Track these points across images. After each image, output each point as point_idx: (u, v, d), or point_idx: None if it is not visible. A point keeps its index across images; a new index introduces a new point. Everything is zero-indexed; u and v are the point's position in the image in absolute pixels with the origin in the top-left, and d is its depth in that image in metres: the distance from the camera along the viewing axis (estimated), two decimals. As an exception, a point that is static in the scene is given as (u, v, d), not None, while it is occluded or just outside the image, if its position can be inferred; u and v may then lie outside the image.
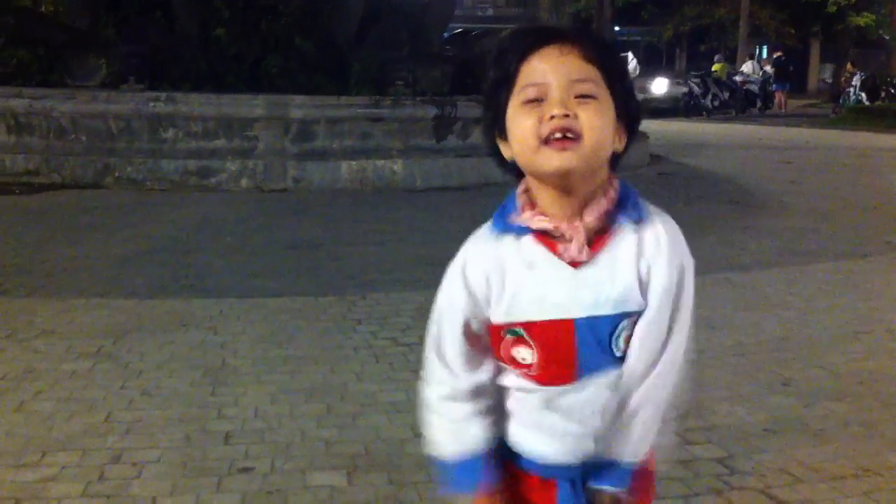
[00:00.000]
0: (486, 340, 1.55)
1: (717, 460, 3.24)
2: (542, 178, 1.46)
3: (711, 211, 9.27)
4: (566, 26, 1.50)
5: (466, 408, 1.55)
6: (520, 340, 1.49)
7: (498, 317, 1.50)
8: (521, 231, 1.49)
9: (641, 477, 1.57)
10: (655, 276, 1.47)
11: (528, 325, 1.47)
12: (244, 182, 10.01)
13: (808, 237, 7.87)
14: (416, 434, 3.37)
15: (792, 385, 4.08)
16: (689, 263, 1.51)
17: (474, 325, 1.54)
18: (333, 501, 2.90)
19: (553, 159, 1.41)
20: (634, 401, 1.50)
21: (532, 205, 1.49)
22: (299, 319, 4.95)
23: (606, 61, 1.45)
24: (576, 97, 1.41)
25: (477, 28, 22.16)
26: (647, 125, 16.04)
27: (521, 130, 1.43)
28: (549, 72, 1.42)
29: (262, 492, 2.95)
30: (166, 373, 4.07)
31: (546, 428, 1.52)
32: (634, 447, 1.52)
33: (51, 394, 3.78)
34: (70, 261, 6.28)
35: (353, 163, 10.28)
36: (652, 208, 1.52)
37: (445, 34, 16.56)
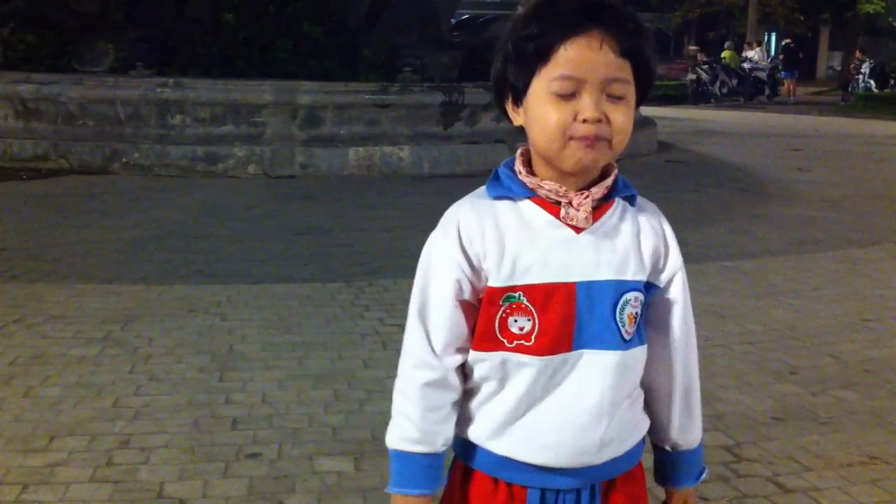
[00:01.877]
0: (471, 314, 1.48)
1: (724, 448, 3.24)
2: (559, 167, 1.43)
3: (719, 199, 9.25)
4: (602, 3, 1.40)
5: (443, 400, 1.49)
6: (518, 307, 1.42)
7: (498, 281, 1.43)
8: (520, 194, 1.45)
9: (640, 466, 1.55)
10: (671, 256, 1.50)
11: (529, 289, 1.42)
12: (252, 168, 10.01)
13: (816, 225, 7.84)
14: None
15: (800, 373, 4.08)
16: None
17: (465, 288, 1.46)
18: (341, 487, 2.91)
19: (578, 153, 1.39)
20: (688, 376, 1.55)
21: (531, 172, 1.47)
22: (307, 305, 4.96)
23: (641, 51, 1.41)
24: (608, 96, 1.39)
25: (485, 14, 22.07)
26: (655, 112, 16.01)
27: (549, 124, 1.39)
28: (585, 67, 1.37)
29: (270, 477, 2.96)
30: (174, 358, 4.08)
31: (530, 420, 1.45)
32: (698, 429, 1.59)
33: (59, 379, 3.80)
34: (78, 246, 6.29)
35: (361, 149, 10.28)
36: (638, 196, 1.52)
37: (453, 20, 16.52)
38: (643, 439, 1.55)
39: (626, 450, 1.49)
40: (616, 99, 1.39)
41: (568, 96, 1.38)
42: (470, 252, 1.45)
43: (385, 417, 3.43)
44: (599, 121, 1.38)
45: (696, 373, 1.56)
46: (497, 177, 1.49)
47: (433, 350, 1.48)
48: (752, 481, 3.00)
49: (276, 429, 3.34)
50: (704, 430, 3.43)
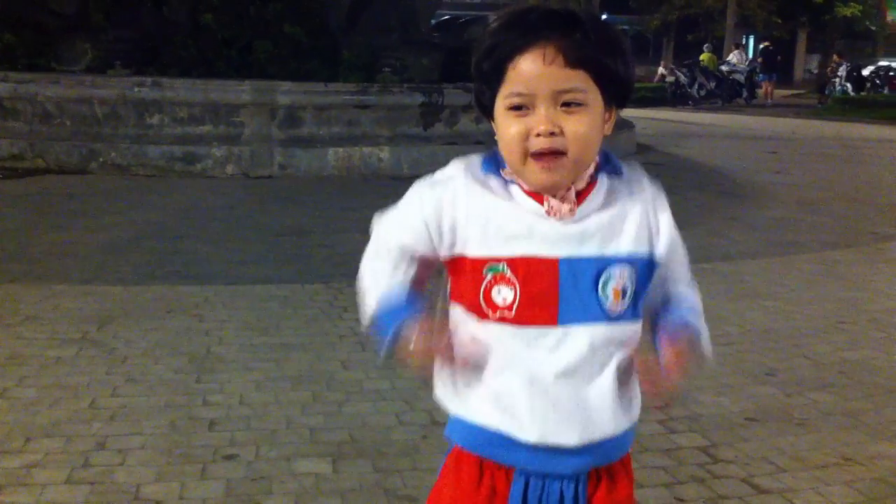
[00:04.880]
0: (423, 276, 1.57)
1: (700, 449, 3.26)
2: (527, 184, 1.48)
3: (698, 201, 9.29)
4: (558, 13, 1.43)
5: (398, 274, 1.57)
6: (501, 278, 1.46)
7: (482, 250, 1.47)
8: (509, 179, 1.50)
9: (627, 462, 1.57)
10: (662, 222, 1.53)
11: (513, 261, 1.45)
12: (230, 168, 9.98)
13: (793, 227, 7.90)
14: (402, 422, 3.38)
15: (776, 375, 4.10)
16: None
17: (423, 242, 1.53)
18: (319, 489, 2.90)
19: (538, 175, 1.44)
20: (693, 302, 1.61)
21: None
22: (285, 307, 4.95)
23: (594, 60, 1.42)
24: (562, 105, 1.41)
25: (465, 15, 22.08)
26: (634, 114, 16.06)
27: (508, 139, 1.44)
28: (534, 81, 1.41)
29: (247, 479, 2.95)
30: (152, 359, 4.06)
31: (521, 394, 1.47)
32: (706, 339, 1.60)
33: (35, 380, 3.77)
34: (55, 246, 6.25)
35: (340, 150, 10.27)
36: (625, 165, 1.54)
37: (433, 21, 16.51)
38: (633, 429, 1.56)
39: (618, 432, 1.51)
40: (572, 108, 1.42)
41: (523, 110, 1.42)
42: (447, 211, 1.50)
43: (363, 419, 3.44)
44: (553, 134, 1.40)
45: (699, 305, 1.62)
46: (493, 155, 1.52)
47: (387, 246, 1.60)
48: (727, 482, 3.01)
49: (254, 430, 3.33)
50: (679, 431, 3.46)
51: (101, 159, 9.86)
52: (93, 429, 3.30)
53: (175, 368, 3.96)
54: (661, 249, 1.52)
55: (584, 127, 1.42)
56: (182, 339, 4.36)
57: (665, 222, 1.53)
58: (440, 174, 1.55)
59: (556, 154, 1.41)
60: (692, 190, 10.02)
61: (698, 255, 6.33)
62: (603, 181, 1.50)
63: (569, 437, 1.46)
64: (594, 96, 1.43)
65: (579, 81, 1.41)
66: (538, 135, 1.41)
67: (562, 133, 1.41)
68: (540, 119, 1.41)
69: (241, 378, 3.86)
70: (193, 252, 6.24)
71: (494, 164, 1.52)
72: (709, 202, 9.28)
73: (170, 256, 6.08)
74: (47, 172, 9.65)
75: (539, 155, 1.42)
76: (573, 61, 1.40)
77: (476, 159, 1.54)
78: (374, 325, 1.55)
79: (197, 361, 4.05)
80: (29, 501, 2.77)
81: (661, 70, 31.08)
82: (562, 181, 1.44)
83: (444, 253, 1.52)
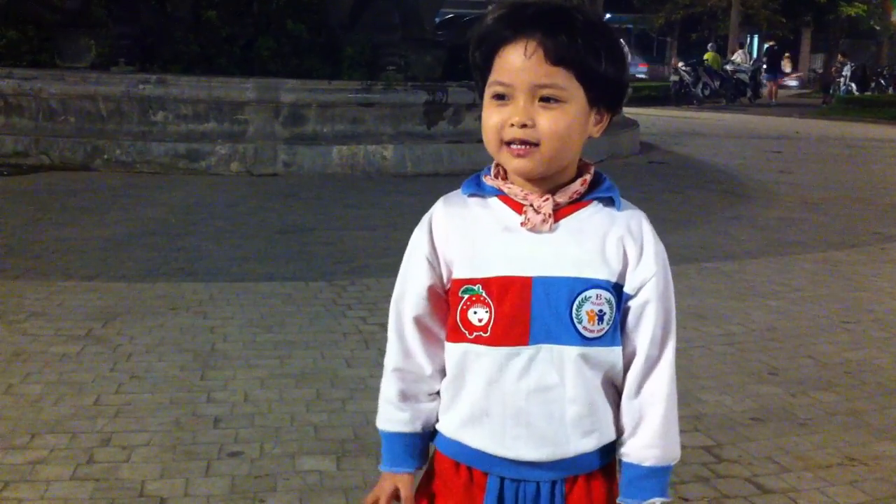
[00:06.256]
0: (438, 301, 1.55)
1: (704, 448, 3.26)
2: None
3: (701, 200, 9.29)
4: (552, 11, 1.44)
5: (415, 386, 1.58)
6: (477, 299, 1.48)
7: (460, 273, 1.50)
8: (490, 192, 1.52)
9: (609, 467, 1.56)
10: (644, 263, 1.50)
11: (487, 281, 1.47)
12: (234, 166, 9.98)
13: (796, 227, 7.89)
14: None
15: (779, 374, 4.11)
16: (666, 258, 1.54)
17: (436, 281, 1.54)
18: (322, 486, 2.91)
19: (512, 162, 1.47)
20: (650, 391, 1.52)
21: (504, 176, 1.53)
22: (289, 304, 4.96)
23: (577, 60, 1.42)
24: (540, 99, 1.43)
25: (469, 13, 22.07)
26: (637, 113, 16.05)
27: (487, 127, 1.48)
28: (514, 73, 1.43)
29: (251, 476, 2.95)
30: (156, 356, 4.07)
31: (494, 413, 1.49)
32: (655, 448, 1.53)
33: (40, 376, 3.78)
34: (59, 243, 6.26)
35: (344, 147, 10.27)
36: (623, 200, 1.54)
37: (437, 19, 16.49)
38: (614, 443, 1.55)
39: (591, 450, 1.51)
40: (550, 104, 1.43)
41: (504, 100, 1.45)
42: (437, 243, 1.54)
43: (367, 416, 3.45)
44: (525, 126, 1.43)
45: (662, 389, 1.53)
46: (476, 177, 1.56)
47: (406, 343, 1.57)
48: (731, 482, 3.02)
49: (258, 427, 3.34)
50: (683, 431, 3.44)
51: (105, 156, 9.87)
52: (97, 425, 3.31)
53: (179, 365, 3.97)
54: (634, 289, 1.50)
55: (557, 124, 1.43)
56: (186, 336, 4.37)
57: (647, 264, 1.49)
58: (429, 211, 1.58)
59: (527, 144, 1.44)
60: (695, 188, 10.02)
61: (701, 254, 6.37)
62: (595, 204, 1.51)
63: (541, 454, 1.48)
64: (575, 95, 1.44)
65: (559, 79, 1.42)
66: (512, 125, 1.44)
67: (535, 126, 1.43)
68: (516, 110, 1.44)
69: (245, 375, 3.87)
70: (197, 249, 6.25)
71: (475, 181, 1.55)
72: (712, 201, 9.28)
73: (174, 253, 6.09)
74: (51, 169, 9.67)
75: (511, 143, 1.45)
76: (553, 58, 1.42)
77: (457, 190, 1.57)
78: (395, 444, 1.61)
79: (201, 358, 4.06)
80: (34, 497, 2.78)
81: (675, 66, 31.08)
82: (535, 169, 1.46)
83: (447, 285, 1.55)
